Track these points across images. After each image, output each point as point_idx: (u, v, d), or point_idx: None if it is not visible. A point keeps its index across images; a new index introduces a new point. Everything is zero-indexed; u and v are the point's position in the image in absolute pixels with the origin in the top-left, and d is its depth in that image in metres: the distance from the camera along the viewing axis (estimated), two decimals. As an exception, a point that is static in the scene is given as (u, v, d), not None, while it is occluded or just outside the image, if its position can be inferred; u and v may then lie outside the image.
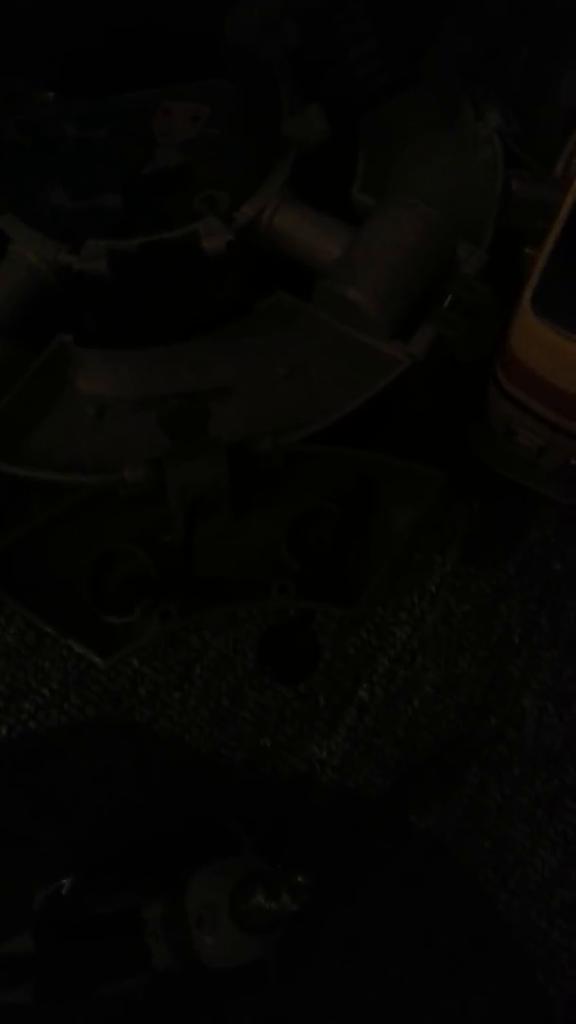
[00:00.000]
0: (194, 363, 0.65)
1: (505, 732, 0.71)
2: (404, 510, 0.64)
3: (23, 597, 0.61)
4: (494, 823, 0.68)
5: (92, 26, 0.61)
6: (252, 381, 0.65)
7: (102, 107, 0.63)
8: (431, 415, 0.73)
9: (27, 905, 0.60)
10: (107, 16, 0.61)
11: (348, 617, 0.64)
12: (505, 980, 0.64)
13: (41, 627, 0.60)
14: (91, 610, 0.61)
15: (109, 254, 0.63)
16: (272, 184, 0.68)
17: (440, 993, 0.64)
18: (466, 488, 0.74)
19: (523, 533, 0.76)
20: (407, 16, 0.73)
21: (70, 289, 0.65)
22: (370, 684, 0.72)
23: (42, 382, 0.65)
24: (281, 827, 0.67)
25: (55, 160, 0.65)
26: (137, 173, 0.64)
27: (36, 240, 0.64)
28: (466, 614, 0.74)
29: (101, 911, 0.61)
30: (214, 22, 0.63)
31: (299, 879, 0.57)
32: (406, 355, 0.65)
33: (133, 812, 0.67)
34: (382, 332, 0.65)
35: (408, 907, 0.66)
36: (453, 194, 0.71)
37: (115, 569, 0.62)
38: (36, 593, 0.61)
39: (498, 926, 0.66)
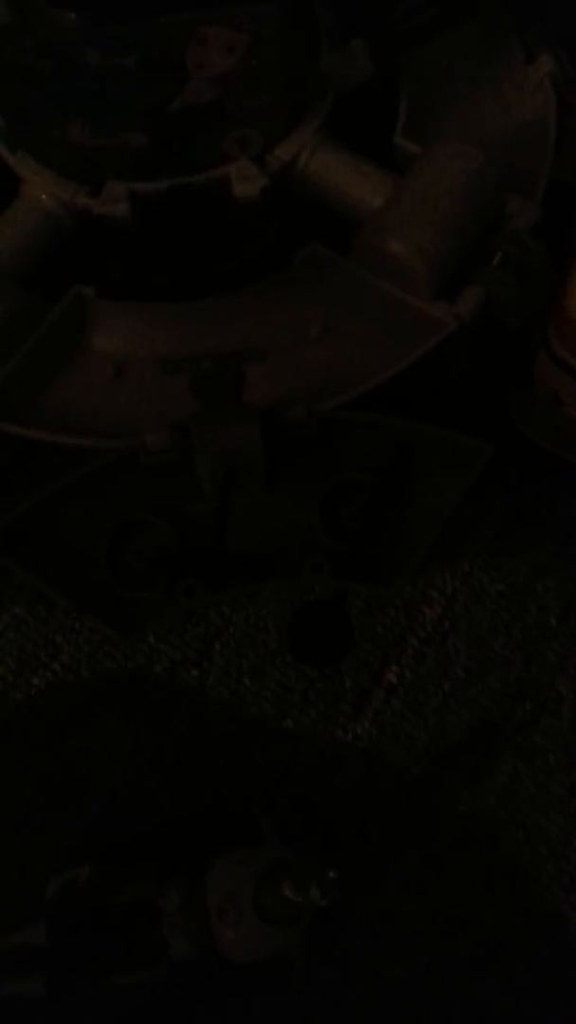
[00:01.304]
0: (224, 321, 0.60)
1: (540, 718, 0.67)
2: (446, 484, 0.60)
3: (37, 569, 0.57)
4: (527, 813, 0.65)
5: None
6: (285, 343, 0.60)
7: (130, 32, 0.57)
8: (472, 382, 0.69)
9: (40, 893, 0.57)
10: None
11: (384, 597, 0.60)
12: (537, 971, 0.62)
13: (57, 600, 0.56)
14: (109, 584, 0.57)
15: (132, 197, 0.58)
16: (309, 125, 0.62)
17: (469, 984, 0.61)
18: (505, 461, 0.70)
19: (563, 510, 0.72)
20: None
21: (89, 235, 0.60)
22: (399, 666, 0.68)
23: (57, 337, 0.60)
24: (305, 813, 0.64)
25: (75, 91, 0.59)
26: (165, 108, 0.59)
27: (51, 180, 0.59)
28: (500, 594, 0.70)
29: (117, 900, 0.58)
30: None
31: (330, 874, 0.54)
32: (452, 317, 0.60)
33: (149, 796, 0.64)
34: (426, 291, 0.60)
35: (436, 897, 0.63)
36: (502, 142, 0.66)
37: (135, 541, 0.58)
38: (51, 565, 0.57)
39: (530, 917, 0.63)
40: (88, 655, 0.67)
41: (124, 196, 0.58)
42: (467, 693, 0.68)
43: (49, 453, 0.60)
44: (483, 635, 0.69)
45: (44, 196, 0.60)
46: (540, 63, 0.68)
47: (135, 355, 0.60)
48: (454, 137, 0.64)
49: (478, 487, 0.71)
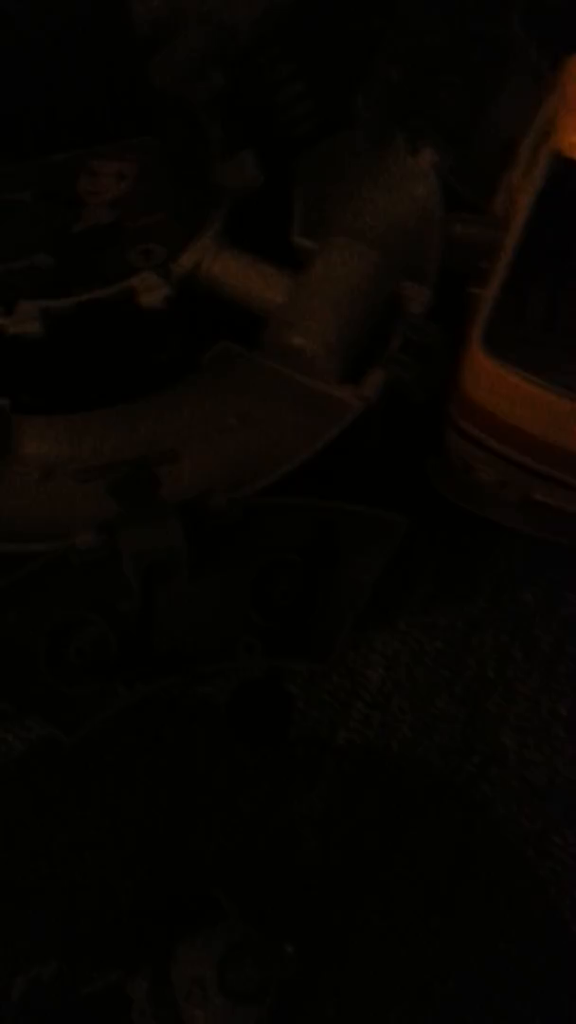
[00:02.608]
0: (141, 424, 0.63)
1: (488, 770, 0.69)
2: (367, 556, 0.63)
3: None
4: (482, 866, 0.67)
5: (10, 89, 0.60)
6: (202, 437, 0.63)
7: (23, 170, 0.62)
8: (387, 454, 0.72)
9: (5, 996, 0.57)
10: (25, 78, 0.60)
11: (319, 670, 0.62)
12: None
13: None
14: (51, 683, 0.59)
15: (43, 315, 0.62)
16: (208, 233, 0.67)
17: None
18: (430, 523, 0.74)
19: (490, 566, 0.76)
20: (335, 55, 0.73)
21: (4, 353, 0.64)
22: (347, 731, 0.70)
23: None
24: (265, 889, 0.65)
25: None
26: (67, 231, 0.63)
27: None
28: (439, 651, 0.73)
29: (84, 992, 0.59)
30: (137, 74, 0.62)
31: (288, 948, 0.55)
32: (358, 399, 0.64)
33: (108, 886, 0.65)
34: (332, 377, 0.64)
35: (400, 963, 0.64)
36: (392, 232, 0.70)
37: (73, 638, 0.60)
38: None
39: (498, 976, 0.64)
40: (40, 751, 0.69)
41: (36, 315, 0.62)
42: (415, 752, 0.70)
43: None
44: (426, 693, 0.72)
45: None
46: (424, 154, 0.73)
47: (59, 462, 0.63)
48: (347, 231, 0.69)
49: (405, 551, 0.74)
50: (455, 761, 0.70)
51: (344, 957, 0.64)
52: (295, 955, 0.55)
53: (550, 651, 0.73)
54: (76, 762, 0.67)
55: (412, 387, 0.65)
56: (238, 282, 0.67)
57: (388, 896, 0.66)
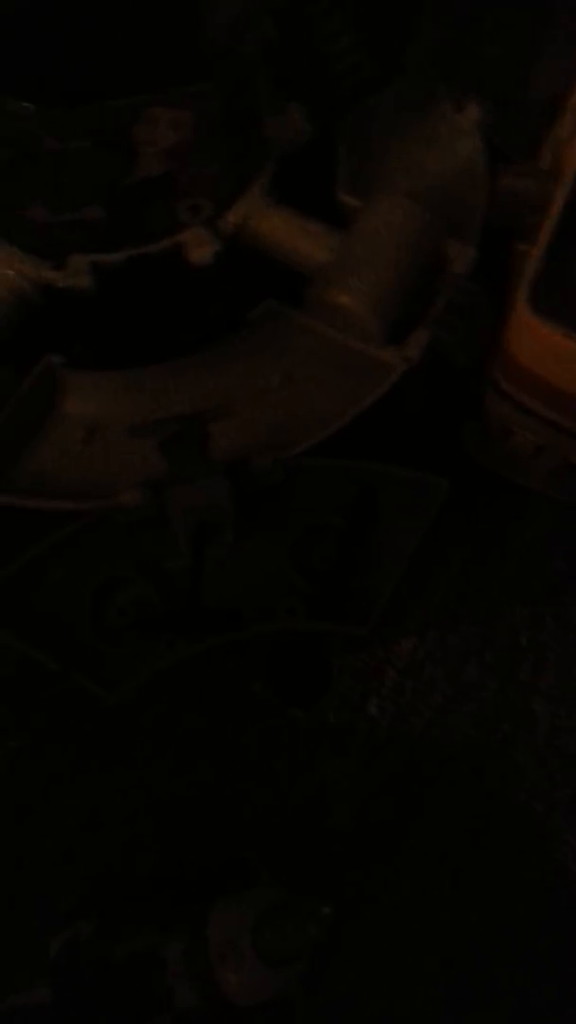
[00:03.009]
0: (188, 381, 0.63)
1: (518, 737, 0.70)
2: (409, 520, 0.62)
3: (21, 631, 0.58)
4: (512, 832, 0.67)
5: (71, 34, 0.58)
6: (247, 396, 0.63)
7: (82, 117, 0.60)
8: (426, 418, 0.72)
9: (42, 954, 0.57)
10: (86, 23, 0.58)
11: (359, 636, 0.62)
12: (541, 997, 0.63)
13: (43, 662, 0.57)
14: (93, 642, 0.59)
15: (93, 269, 0.60)
16: (256, 188, 0.65)
17: (469, 1010, 0.63)
18: (464, 490, 0.73)
19: (522, 533, 0.75)
20: (383, 12, 0.71)
21: (55, 307, 0.62)
22: (379, 698, 0.70)
23: (30, 406, 0.62)
24: (298, 853, 0.66)
25: (35, 174, 0.62)
26: (119, 184, 0.61)
27: (16, 257, 0.62)
28: (470, 619, 0.73)
29: (119, 953, 0.59)
30: (192, 23, 0.60)
31: (324, 910, 0.55)
32: (401, 360, 0.63)
33: (144, 848, 0.65)
34: (376, 337, 0.63)
35: (430, 926, 0.65)
36: (438, 191, 0.69)
37: (116, 598, 0.60)
38: (34, 627, 0.59)
39: (528, 937, 0.65)
40: (76, 711, 0.68)
41: (86, 269, 0.61)
42: (447, 719, 0.70)
43: (26, 518, 0.62)
44: (457, 661, 0.72)
45: (10, 272, 0.62)
46: (468, 112, 0.72)
47: (105, 419, 0.62)
48: (392, 189, 0.68)
49: (441, 520, 0.74)
50: (486, 729, 0.70)
51: (371, 922, 0.64)
52: (332, 916, 0.55)
53: (582, 620, 0.73)
54: (114, 723, 0.67)
55: (455, 349, 0.65)
56: (284, 239, 0.66)
57: (417, 862, 0.66)
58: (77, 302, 0.62)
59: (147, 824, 0.65)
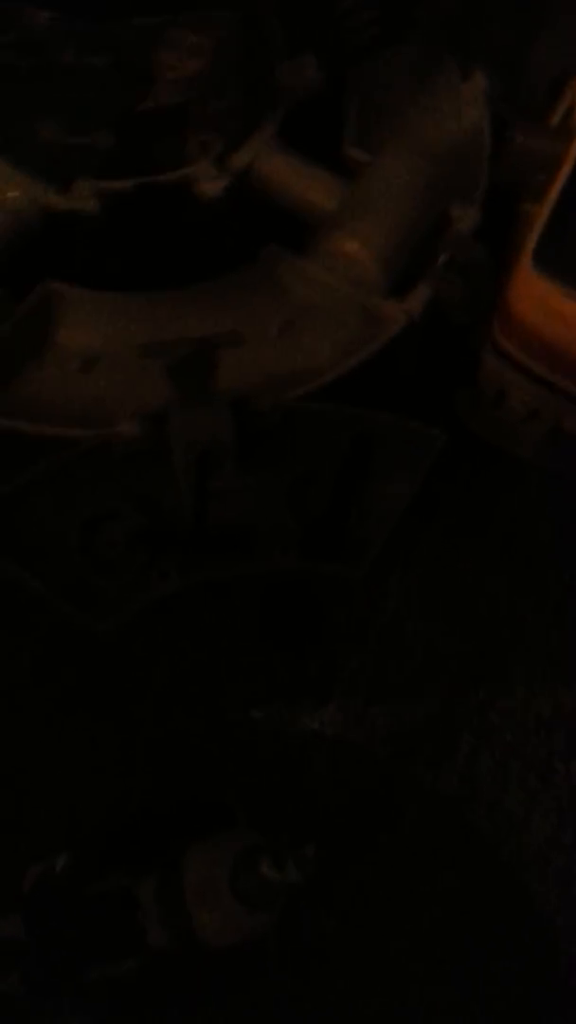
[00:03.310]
0: (195, 310, 0.62)
1: (495, 700, 0.70)
2: (403, 469, 0.62)
3: (11, 555, 0.56)
4: (488, 790, 0.67)
5: None
6: (248, 335, 0.62)
7: (104, 33, 0.59)
8: (419, 380, 0.72)
9: (15, 886, 0.56)
10: None
11: (351, 577, 0.62)
12: (509, 945, 0.63)
13: (31, 586, 0.56)
14: (83, 572, 0.58)
15: (100, 194, 0.59)
16: (265, 131, 0.65)
17: (441, 964, 0.63)
18: (453, 457, 0.73)
19: (509, 503, 0.76)
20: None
21: (57, 232, 0.61)
22: (361, 654, 0.70)
23: (26, 330, 0.60)
24: (275, 801, 0.65)
25: (50, 90, 0.61)
26: (133, 110, 0.60)
27: (19, 178, 0.60)
28: (453, 583, 0.73)
29: (93, 890, 0.57)
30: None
31: (307, 850, 0.54)
32: (403, 314, 0.63)
33: (122, 786, 0.63)
34: (379, 289, 0.64)
35: (406, 878, 0.65)
36: (443, 153, 0.70)
37: (106, 529, 0.59)
38: (24, 552, 0.57)
39: (497, 893, 0.65)
40: (57, 647, 0.66)
41: (93, 193, 0.59)
42: (425, 679, 0.70)
43: (18, 445, 0.61)
44: (439, 623, 0.72)
45: (12, 194, 0.61)
46: (475, 80, 0.72)
47: (104, 347, 0.61)
48: (399, 145, 0.68)
49: (429, 485, 0.74)
50: (464, 690, 0.70)
51: (350, 872, 0.64)
52: (314, 857, 0.54)
53: (562, 587, 0.74)
54: (101, 659, 0.65)
55: (456, 306, 0.65)
56: (291, 183, 0.65)
57: (393, 815, 0.66)
58: (80, 227, 0.61)
59: (126, 763, 0.64)
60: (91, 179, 0.60)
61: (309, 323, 0.65)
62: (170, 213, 0.62)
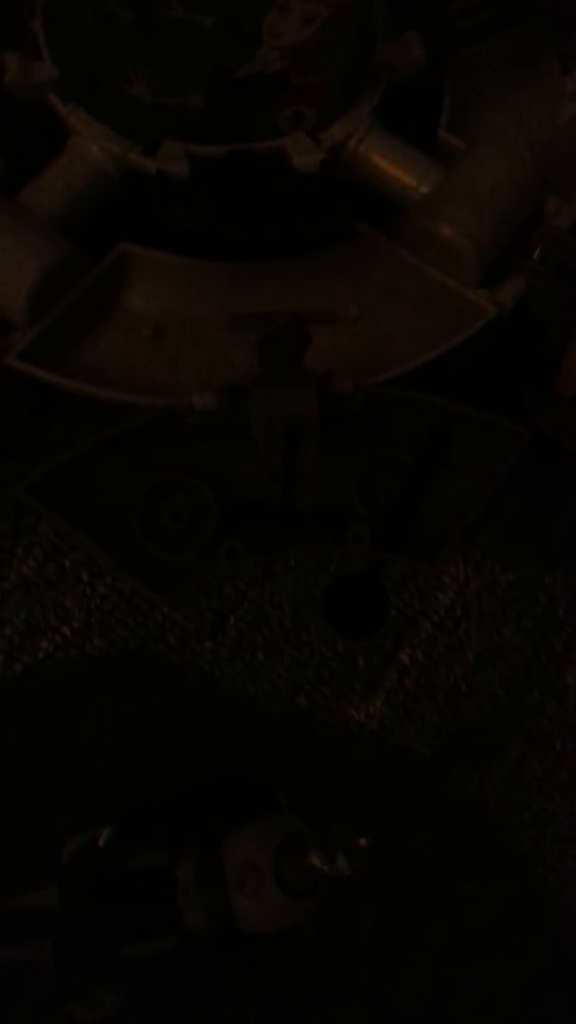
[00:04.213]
0: (267, 285, 0.61)
1: (546, 705, 0.69)
2: (483, 465, 0.61)
3: (73, 522, 0.55)
4: (533, 796, 0.66)
5: None
6: (333, 315, 0.61)
7: None
8: (492, 374, 0.70)
9: (53, 856, 0.55)
10: None
11: (426, 572, 0.60)
12: (541, 953, 0.62)
13: (94, 555, 0.55)
14: (144, 545, 0.56)
15: (192, 157, 0.58)
16: (362, 109, 0.63)
17: (474, 963, 0.62)
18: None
19: (571, 503, 0.74)
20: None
21: (138, 193, 0.60)
22: (412, 648, 0.69)
23: (99, 292, 0.59)
24: (315, 790, 0.64)
25: (148, 44, 0.59)
26: (231, 73, 0.59)
27: (104, 134, 0.59)
28: (511, 583, 0.72)
29: (130, 867, 0.56)
30: None
31: (361, 841, 0.53)
32: (493, 304, 0.62)
33: (160, 765, 0.62)
34: (470, 277, 0.62)
35: (444, 876, 0.64)
36: (541, 147, 0.68)
37: (171, 502, 0.57)
38: (86, 520, 0.56)
39: (535, 899, 0.64)
40: (99, 620, 0.66)
41: (182, 156, 0.58)
42: (477, 677, 0.69)
43: (80, 409, 0.60)
44: (494, 623, 0.70)
45: (95, 150, 0.59)
46: (575, 75, 0.71)
47: (177, 315, 0.60)
48: (497, 136, 0.66)
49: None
50: (516, 691, 0.69)
51: (388, 866, 0.63)
52: (367, 848, 0.53)
53: (622, 596, 0.72)
54: (138, 640, 0.64)
55: (546, 301, 0.63)
56: (385, 164, 0.63)
57: (436, 811, 0.65)
58: (164, 190, 0.59)
59: (165, 742, 0.63)
60: (181, 141, 0.58)
61: (393, 307, 0.63)
62: (260, 184, 0.61)
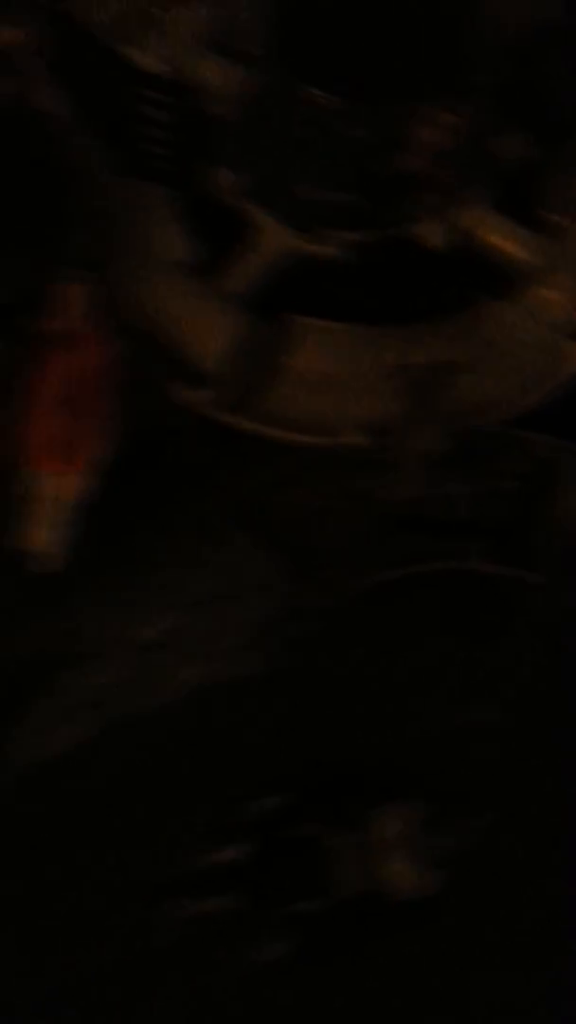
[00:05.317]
0: (405, 343, 0.74)
1: None
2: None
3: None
4: None
5: (374, 48, 0.71)
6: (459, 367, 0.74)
7: (374, 110, 0.72)
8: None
9: (239, 818, 0.67)
10: (387, 41, 0.71)
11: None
12: None
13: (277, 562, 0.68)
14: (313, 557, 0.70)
15: (345, 242, 0.72)
16: (482, 196, 0.77)
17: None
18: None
19: None
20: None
21: (300, 272, 0.74)
22: (534, 654, 0.76)
23: (271, 351, 0.74)
24: (447, 782, 0.72)
25: (315, 154, 0.74)
26: (379, 174, 0.73)
27: (279, 227, 0.74)
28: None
29: (299, 833, 0.68)
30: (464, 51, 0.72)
31: (483, 819, 0.64)
32: None
33: (317, 749, 0.72)
34: (568, 331, 0.75)
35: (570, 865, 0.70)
36: None
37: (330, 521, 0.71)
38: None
39: None
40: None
41: (338, 241, 0.72)
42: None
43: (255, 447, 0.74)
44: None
45: (266, 240, 0.74)
46: None
47: (333, 369, 0.74)
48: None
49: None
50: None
51: (517, 848, 0.69)
52: (491, 824, 0.63)
53: None
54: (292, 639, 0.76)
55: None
56: (497, 240, 0.77)
57: (563, 815, 0.71)
58: (321, 269, 0.74)
59: (322, 730, 0.73)
60: (336, 229, 0.73)
61: (503, 358, 0.76)
62: (397, 261, 0.75)
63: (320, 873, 0.67)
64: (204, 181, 0.74)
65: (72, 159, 0.80)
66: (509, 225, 0.78)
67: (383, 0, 0.70)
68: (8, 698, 0.70)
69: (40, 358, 0.71)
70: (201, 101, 0.74)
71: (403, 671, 0.76)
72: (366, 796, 0.69)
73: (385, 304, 0.75)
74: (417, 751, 0.74)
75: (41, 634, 0.72)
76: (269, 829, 0.68)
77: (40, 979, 0.64)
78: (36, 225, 0.79)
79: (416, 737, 0.75)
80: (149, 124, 0.76)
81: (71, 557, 0.71)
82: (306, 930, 0.67)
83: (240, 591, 0.76)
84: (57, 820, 0.67)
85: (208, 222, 0.75)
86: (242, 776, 0.71)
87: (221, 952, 0.66)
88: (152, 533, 0.77)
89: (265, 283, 0.74)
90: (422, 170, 0.72)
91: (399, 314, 0.75)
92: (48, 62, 0.81)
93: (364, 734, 0.75)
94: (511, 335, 0.76)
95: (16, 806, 0.68)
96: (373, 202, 0.74)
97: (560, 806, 0.71)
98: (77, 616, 0.73)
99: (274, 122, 0.72)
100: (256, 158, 0.74)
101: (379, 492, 0.70)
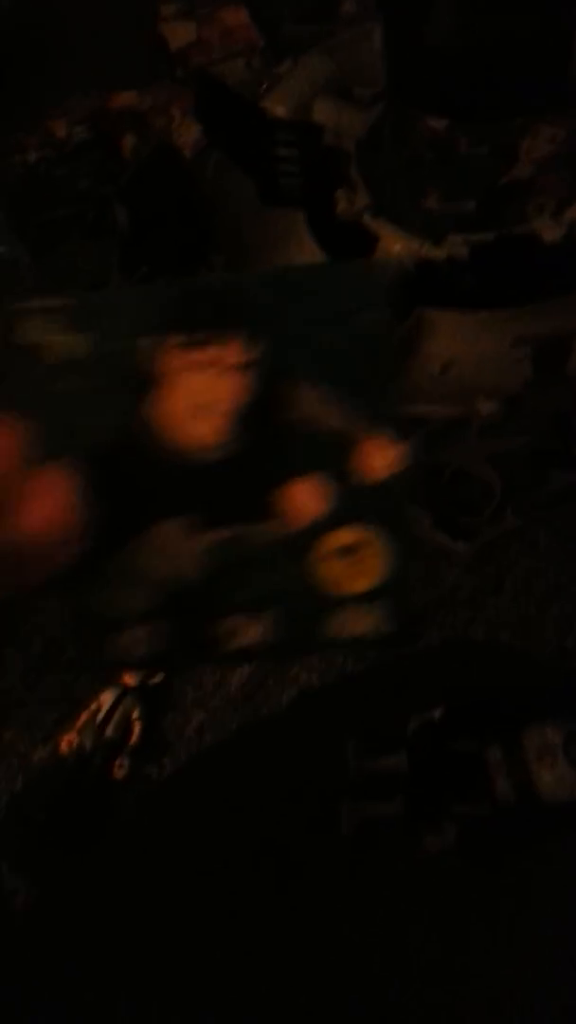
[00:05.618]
0: (524, 323, 0.84)
1: None
2: None
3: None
4: None
5: (487, 75, 0.82)
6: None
7: (491, 128, 0.83)
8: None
9: (403, 729, 0.77)
10: (499, 68, 0.82)
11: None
12: None
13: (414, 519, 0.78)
14: (449, 512, 0.80)
15: (469, 244, 0.83)
16: (584, 195, 0.86)
17: None
18: None
19: None
20: None
21: (429, 272, 0.85)
22: None
23: (407, 342, 0.84)
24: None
25: (440, 172, 0.85)
26: (495, 183, 0.84)
27: (403, 237, 0.85)
28: None
29: (456, 748, 0.77)
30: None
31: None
32: None
33: (472, 677, 0.83)
34: None
35: None
36: None
37: (467, 482, 0.81)
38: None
39: None
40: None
41: (463, 244, 0.83)
42: None
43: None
44: None
45: (398, 247, 0.85)
46: None
47: (459, 352, 0.84)
48: None
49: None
50: None
51: None
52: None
53: None
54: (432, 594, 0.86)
55: None
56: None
57: None
58: (449, 268, 0.84)
59: (475, 665, 0.84)
60: (460, 234, 0.83)
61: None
62: (516, 255, 0.84)
63: (479, 781, 0.75)
64: (334, 204, 0.86)
65: (218, 195, 0.94)
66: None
67: (489, 28, 0.81)
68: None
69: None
70: (326, 137, 0.87)
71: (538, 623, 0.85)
72: (518, 715, 0.78)
73: (504, 293, 0.85)
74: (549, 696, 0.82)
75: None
76: (440, 736, 0.77)
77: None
78: (184, 252, 0.94)
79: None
80: (283, 161, 0.89)
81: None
82: (467, 832, 0.75)
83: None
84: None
85: (339, 240, 0.87)
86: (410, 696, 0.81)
87: (390, 848, 0.74)
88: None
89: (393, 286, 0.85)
90: (532, 176, 0.82)
91: (519, 299, 0.84)
92: (199, 115, 0.97)
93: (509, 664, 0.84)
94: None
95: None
96: (492, 207, 0.84)
97: None
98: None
99: (398, 148, 0.83)
100: (383, 180, 0.86)
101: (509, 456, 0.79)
